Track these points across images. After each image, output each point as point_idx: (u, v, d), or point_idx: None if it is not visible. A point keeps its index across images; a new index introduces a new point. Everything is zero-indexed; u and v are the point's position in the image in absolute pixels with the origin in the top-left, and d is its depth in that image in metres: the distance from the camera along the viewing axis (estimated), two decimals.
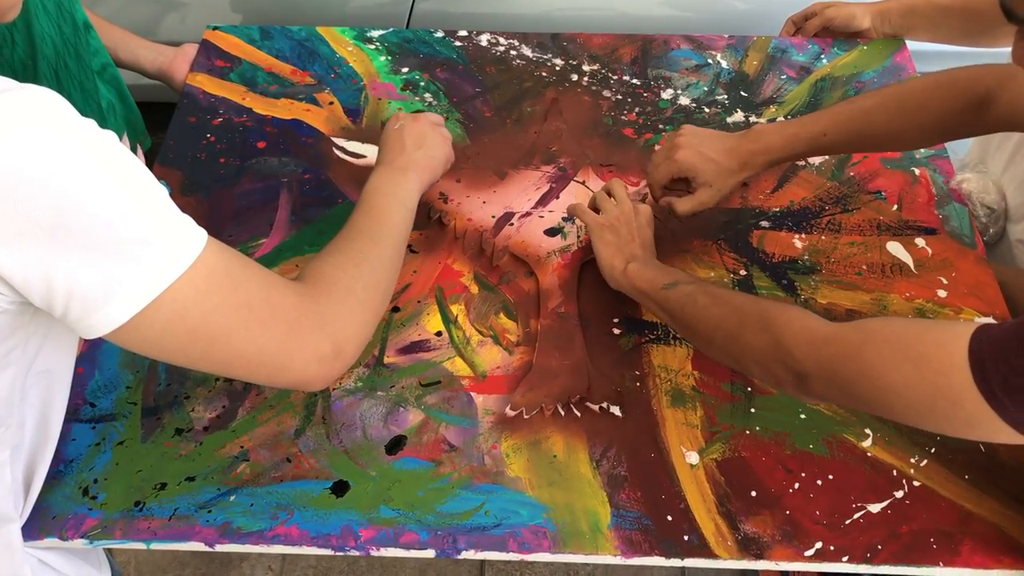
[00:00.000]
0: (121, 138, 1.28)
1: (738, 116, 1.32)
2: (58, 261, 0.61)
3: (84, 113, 1.15)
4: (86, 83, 1.14)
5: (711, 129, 1.13)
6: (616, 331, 1.07)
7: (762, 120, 1.32)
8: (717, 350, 0.92)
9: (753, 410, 1.00)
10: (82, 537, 0.89)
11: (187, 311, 0.66)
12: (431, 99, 1.35)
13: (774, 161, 1.09)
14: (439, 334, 1.07)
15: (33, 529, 0.89)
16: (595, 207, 1.11)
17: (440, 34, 1.46)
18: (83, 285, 0.62)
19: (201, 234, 0.68)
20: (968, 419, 0.70)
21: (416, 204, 0.99)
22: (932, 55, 1.51)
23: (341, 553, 0.90)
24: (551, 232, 1.16)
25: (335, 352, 0.75)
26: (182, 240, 0.66)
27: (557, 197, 1.22)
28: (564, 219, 1.18)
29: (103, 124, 1.19)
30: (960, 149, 1.35)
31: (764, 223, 1.18)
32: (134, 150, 1.32)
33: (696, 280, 0.97)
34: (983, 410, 0.69)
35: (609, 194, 1.11)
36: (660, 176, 1.12)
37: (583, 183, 1.24)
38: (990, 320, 1.07)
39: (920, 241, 1.16)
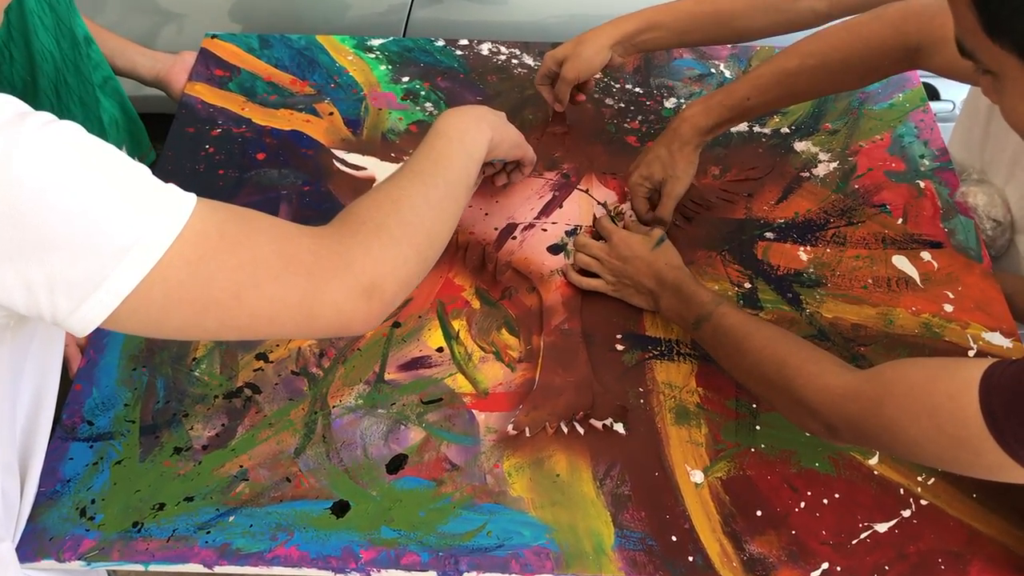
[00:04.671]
0: (123, 151, 1.28)
1: (741, 126, 1.31)
2: (34, 269, 0.59)
3: (85, 128, 1.14)
4: (87, 98, 1.13)
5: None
6: (619, 347, 1.06)
7: (766, 130, 1.31)
8: (754, 392, 0.97)
9: (758, 428, 0.99)
10: (79, 559, 0.88)
11: (183, 284, 0.63)
12: (432, 108, 1.34)
13: (705, 129, 1.11)
14: (440, 350, 1.05)
15: (29, 551, 0.88)
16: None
17: (441, 43, 1.45)
18: (64, 285, 0.60)
19: (184, 204, 0.64)
20: (991, 467, 0.70)
21: (482, 157, 0.93)
22: None
23: (342, 575, 0.89)
24: (554, 249, 1.15)
25: (369, 290, 0.71)
26: (161, 215, 0.62)
27: (560, 206, 1.20)
28: (567, 233, 1.17)
29: (104, 138, 1.19)
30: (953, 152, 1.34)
31: (769, 235, 1.17)
32: None
33: (717, 307, 0.96)
34: (1003, 459, 0.68)
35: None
36: (638, 206, 1.17)
37: (586, 191, 1.22)
38: (996, 335, 1.06)
39: (926, 255, 1.15)
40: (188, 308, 0.64)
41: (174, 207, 0.63)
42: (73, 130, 0.62)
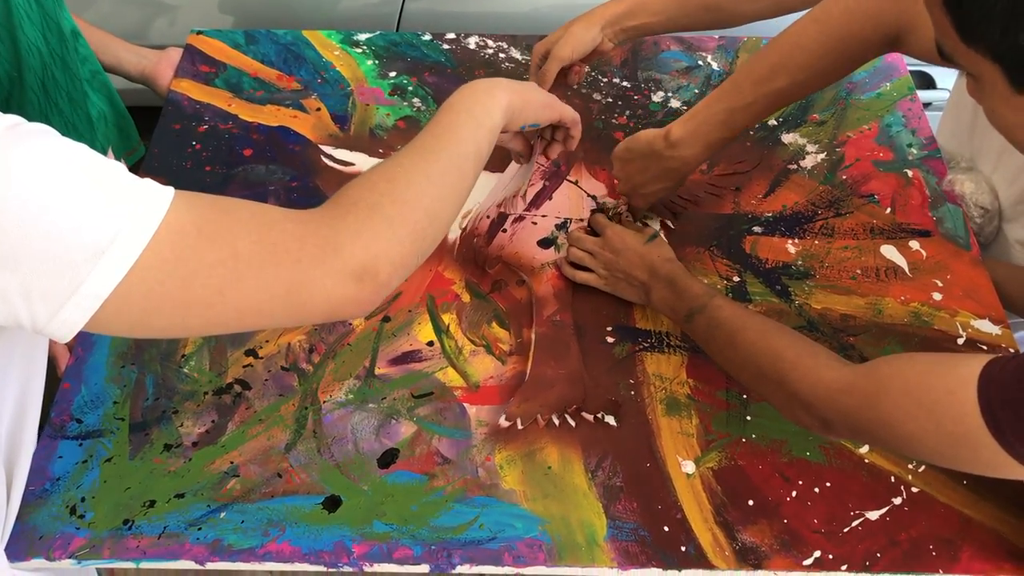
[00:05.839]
0: (109, 148, 1.27)
1: None
2: (8, 277, 0.57)
3: (73, 124, 1.14)
4: (74, 93, 1.12)
5: (633, 146, 1.11)
6: (610, 339, 1.06)
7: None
8: (747, 386, 0.97)
9: (749, 418, 0.99)
10: (70, 557, 0.88)
11: (162, 284, 0.61)
12: (419, 104, 1.34)
13: (701, 164, 1.09)
14: (431, 344, 1.05)
15: (19, 550, 0.88)
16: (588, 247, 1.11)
17: (428, 37, 1.44)
18: (40, 291, 0.58)
19: (160, 200, 0.61)
20: (989, 463, 0.70)
21: (496, 125, 0.85)
22: None
23: (334, 569, 0.88)
24: (544, 243, 1.15)
25: (360, 274, 0.67)
26: (136, 214, 0.60)
27: (550, 198, 1.20)
28: (557, 227, 1.17)
29: (93, 134, 1.18)
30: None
31: (756, 229, 1.17)
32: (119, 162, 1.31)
33: (711, 299, 0.96)
34: (1002, 456, 0.68)
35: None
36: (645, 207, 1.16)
37: (575, 183, 1.22)
38: (985, 323, 1.06)
39: (914, 244, 1.15)
40: (170, 308, 0.62)
41: (149, 205, 0.61)
42: (42, 131, 0.60)
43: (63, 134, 0.62)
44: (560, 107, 0.97)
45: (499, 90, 0.86)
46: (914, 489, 0.94)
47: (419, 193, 0.73)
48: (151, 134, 1.27)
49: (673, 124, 1.07)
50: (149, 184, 0.63)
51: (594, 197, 1.21)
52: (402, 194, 0.72)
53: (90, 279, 0.58)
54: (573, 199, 1.20)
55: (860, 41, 1.00)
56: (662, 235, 1.09)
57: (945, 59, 0.71)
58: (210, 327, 0.66)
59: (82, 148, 0.61)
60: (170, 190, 0.63)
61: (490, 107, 0.85)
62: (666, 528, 0.91)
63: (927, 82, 1.80)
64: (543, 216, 1.18)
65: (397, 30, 1.79)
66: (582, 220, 1.17)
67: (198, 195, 0.65)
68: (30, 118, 0.62)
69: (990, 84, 0.68)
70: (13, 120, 0.60)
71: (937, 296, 1.09)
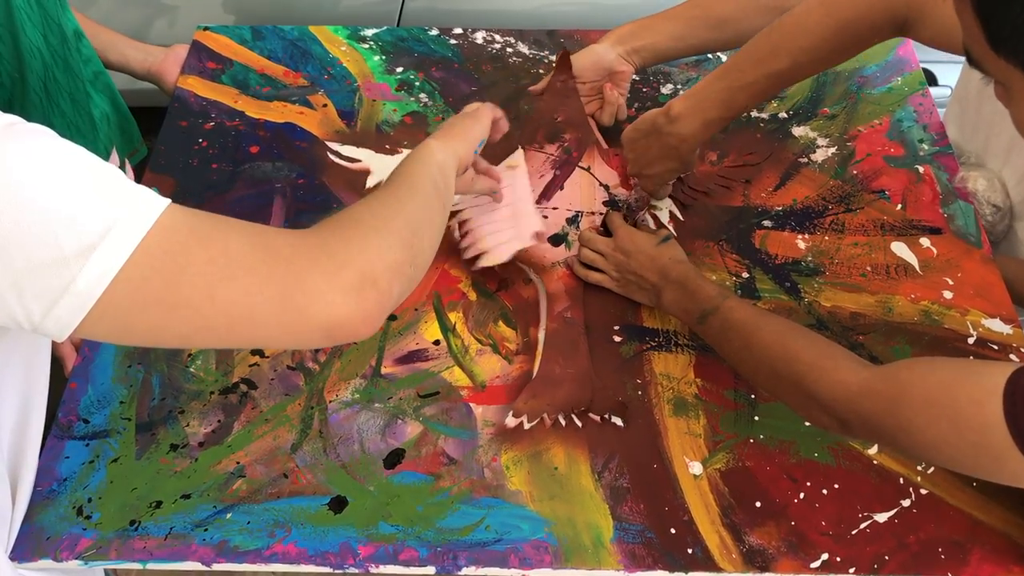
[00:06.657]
0: (112, 148, 1.26)
1: None
2: (1, 274, 0.57)
3: (76, 125, 1.14)
4: (76, 94, 1.12)
5: (639, 125, 1.13)
6: (617, 339, 1.05)
7: (763, 115, 1.29)
8: (761, 387, 0.97)
9: (757, 418, 0.99)
10: (77, 558, 0.88)
11: (149, 281, 0.60)
12: (426, 99, 1.33)
13: (704, 141, 1.09)
14: (437, 343, 1.05)
15: (26, 551, 0.88)
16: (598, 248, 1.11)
17: (435, 32, 1.43)
18: (32, 288, 0.58)
19: (154, 203, 0.61)
20: (1014, 474, 0.70)
21: (443, 161, 0.88)
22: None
23: (340, 571, 0.88)
24: (555, 240, 1.13)
25: (363, 280, 0.66)
26: (128, 215, 0.60)
27: (560, 187, 1.18)
28: (568, 221, 1.15)
29: (96, 135, 1.18)
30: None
31: (766, 223, 1.16)
32: (123, 163, 1.30)
33: (724, 301, 0.95)
34: None
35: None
36: (654, 189, 1.17)
37: (587, 169, 1.20)
38: (996, 322, 1.05)
39: (925, 241, 1.14)
40: (155, 310, 0.61)
41: (143, 207, 0.61)
42: (39, 131, 0.60)
43: (65, 135, 0.62)
44: (484, 109, 1.01)
45: (427, 140, 0.91)
46: (923, 491, 0.93)
47: (396, 210, 0.76)
48: (154, 134, 1.27)
49: (674, 100, 1.07)
50: (145, 190, 0.63)
51: (606, 187, 1.19)
52: (378, 210, 0.75)
53: (81, 275, 0.58)
54: (585, 188, 1.19)
55: (868, 25, 0.99)
56: (674, 237, 1.08)
57: (973, 64, 0.70)
58: (198, 334, 0.64)
59: (80, 150, 0.61)
60: (166, 200, 0.63)
61: (424, 154, 0.88)
62: (673, 530, 0.91)
63: (929, 79, 1.78)
64: (554, 208, 1.17)
65: (398, 26, 1.78)
66: (593, 213, 1.16)
67: (193, 211, 0.65)
68: (32, 119, 0.62)
69: (1019, 93, 0.67)
70: (11, 119, 0.60)
71: (948, 295, 1.08)
